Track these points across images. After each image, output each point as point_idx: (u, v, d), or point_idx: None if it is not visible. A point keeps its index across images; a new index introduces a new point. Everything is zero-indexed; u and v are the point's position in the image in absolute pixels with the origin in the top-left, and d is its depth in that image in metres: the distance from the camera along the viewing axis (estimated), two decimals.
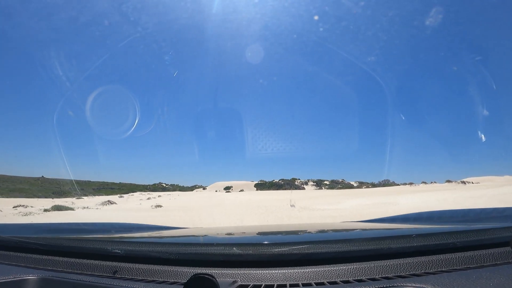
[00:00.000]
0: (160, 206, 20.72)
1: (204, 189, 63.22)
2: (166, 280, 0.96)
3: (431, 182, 48.19)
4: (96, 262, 1.08)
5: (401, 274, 0.93)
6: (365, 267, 0.95)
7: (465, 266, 0.95)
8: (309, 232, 1.87)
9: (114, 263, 1.05)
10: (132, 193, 43.86)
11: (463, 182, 46.67)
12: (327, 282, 0.91)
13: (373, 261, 0.97)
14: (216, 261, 1.01)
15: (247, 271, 0.95)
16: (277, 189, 52.52)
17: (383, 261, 0.97)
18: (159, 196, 38.96)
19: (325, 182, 58.40)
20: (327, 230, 1.89)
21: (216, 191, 58.44)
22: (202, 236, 1.82)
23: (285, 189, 52.14)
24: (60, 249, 1.16)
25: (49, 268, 1.08)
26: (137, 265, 1.03)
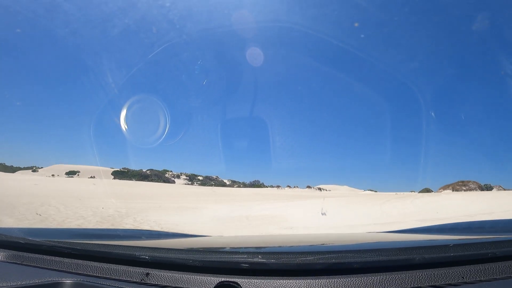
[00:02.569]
0: None
1: (34, 171, 48.35)
2: (190, 287, 0.98)
3: (294, 186, 53.06)
4: (124, 267, 1.10)
5: (435, 284, 0.89)
6: (395, 278, 0.91)
7: (505, 276, 0.91)
8: (334, 242, 1.82)
9: (141, 269, 1.08)
10: None
11: (319, 189, 51.23)
12: None
13: (404, 271, 0.93)
14: (240, 269, 1.01)
15: (271, 280, 0.95)
16: (142, 180, 44.72)
17: (416, 271, 0.93)
18: None
19: (199, 177, 52.80)
20: (353, 240, 1.84)
21: (52, 175, 44.21)
22: (227, 244, 1.82)
23: (152, 180, 45.48)
24: (92, 254, 1.20)
25: (80, 272, 1.12)
26: (163, 272, 1.05)
